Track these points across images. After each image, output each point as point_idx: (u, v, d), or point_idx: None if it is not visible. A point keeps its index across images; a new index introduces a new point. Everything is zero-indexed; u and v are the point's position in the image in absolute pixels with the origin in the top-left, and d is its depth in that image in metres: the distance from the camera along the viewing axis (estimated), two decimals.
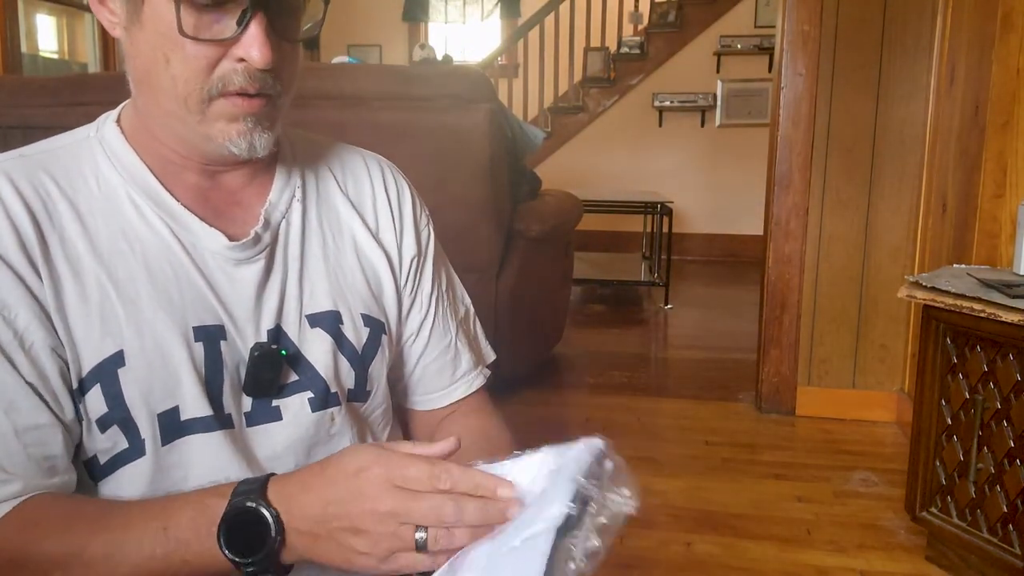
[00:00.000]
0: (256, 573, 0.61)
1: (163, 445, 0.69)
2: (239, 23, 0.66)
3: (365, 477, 0.60)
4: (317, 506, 0.60)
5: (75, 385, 0.68)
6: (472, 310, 0.97)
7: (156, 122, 0.73)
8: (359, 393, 0.82)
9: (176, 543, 0.61)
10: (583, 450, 0.58)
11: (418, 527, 0.58)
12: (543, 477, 0.58)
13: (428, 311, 0.89)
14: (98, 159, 0.74)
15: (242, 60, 0.67)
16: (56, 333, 0.67)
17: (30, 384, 0.65)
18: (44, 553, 0.61)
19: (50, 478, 0.66)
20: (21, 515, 0.63)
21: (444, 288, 0.93)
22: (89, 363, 0.67)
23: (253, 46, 0.66)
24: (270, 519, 0.60)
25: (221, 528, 0.60)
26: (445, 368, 0.92)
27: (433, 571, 0.59)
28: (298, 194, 0.81)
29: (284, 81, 0.72)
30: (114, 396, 0.68)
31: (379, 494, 0.59)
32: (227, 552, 0.60)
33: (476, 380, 0.94)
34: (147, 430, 0.69)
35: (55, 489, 0.66)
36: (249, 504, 0.61)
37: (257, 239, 0.76)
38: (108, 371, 0.68)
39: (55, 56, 5.35)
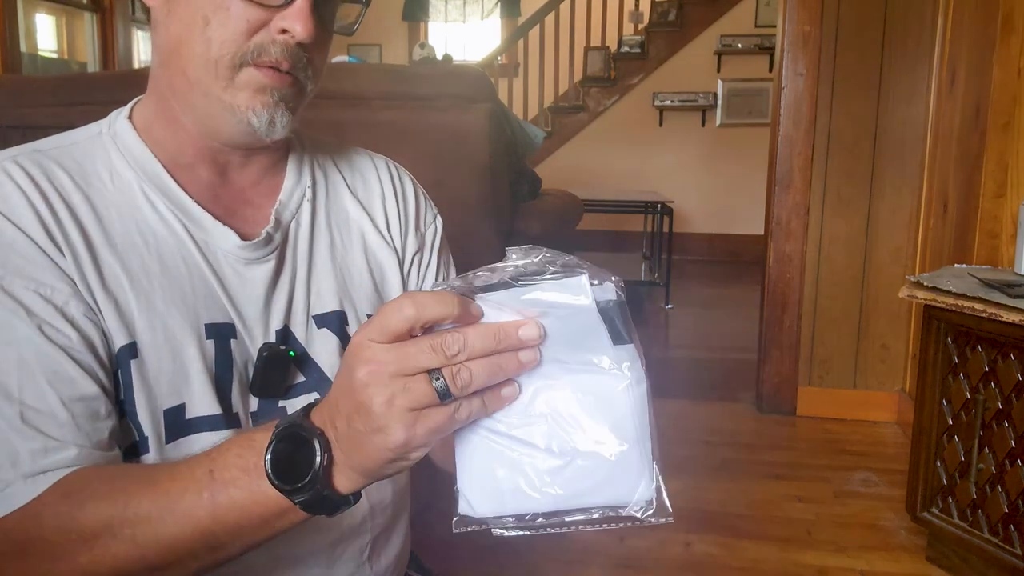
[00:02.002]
0: (310, 505, 0.54)
1: (167, 443, 0.69)
2: None
3: (352, 347, 0.51)
4: (333, 407, 0.53)
5: (114, 364, 0.68)
6: None
7: (177, 98, 0.72)
8: None
9: (223, 484, 0.56)
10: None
11: (432, 373, 0.49)
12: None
13: None
14: (111, 155, 0.74)
15: (283, 32, 0.68)
16: (90, 306, 0.67)
17: (77, 354, 0.64)
18: (88, 518, 0.59)
19: (103, 450, 0.64)
20: (64, 485, 0.62)
21: None
22: (114, 345, 0.68)
23: (298, 19, 0.67)
24: (311, 437, 0.53)
25: (267, 457, 0.54)
26: None
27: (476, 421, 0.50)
28: (308, 194, 0.81)
29: (314, 67, 0.73)
30: (126, 386, 0.68)
31: (370, 356, 0.50)
32: (275, 481, 0.54)
33: None
34: (149, 427, 0.68)
35: (108, 463, 0.65)
36: (293, 427, 0.54)
37: (268, 239, 0.76)
38: (123, 360, 0.68)
39: (54, 56, 5.35)
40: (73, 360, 0.64)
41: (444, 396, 0.49)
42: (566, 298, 0.50)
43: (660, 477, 0.52)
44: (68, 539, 0.59)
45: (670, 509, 0.52)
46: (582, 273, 0.50)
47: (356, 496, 0.56)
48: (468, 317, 0.50)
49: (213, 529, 0.57)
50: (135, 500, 0.59)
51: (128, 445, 0.69)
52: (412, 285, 0.88)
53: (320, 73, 0.74)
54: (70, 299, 0.65)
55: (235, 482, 0.56)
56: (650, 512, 0.52)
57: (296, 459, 0.54)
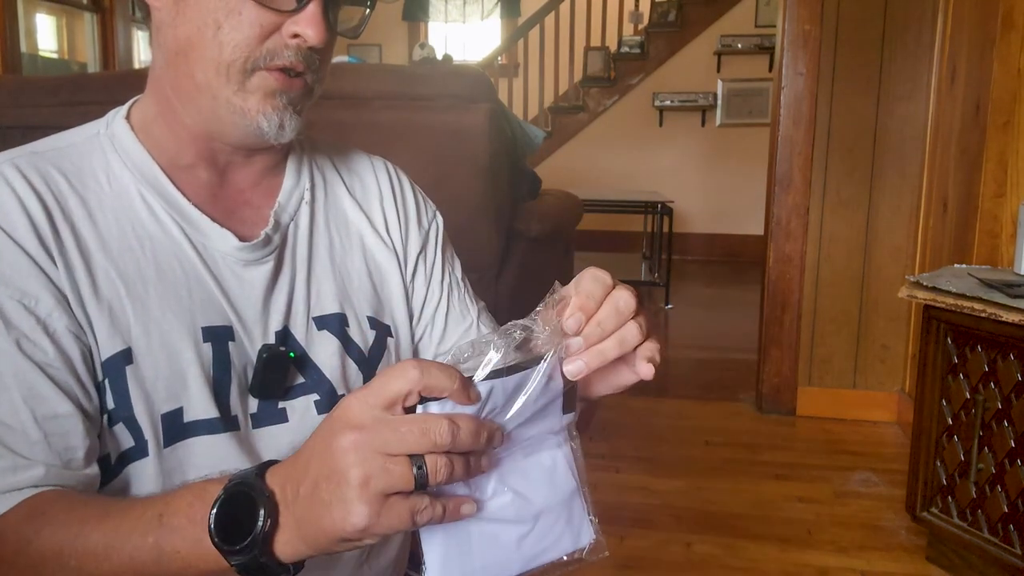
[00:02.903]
0: (247, 569, 0.53)
1: (165, 447, 0.69)
2: (299, 0, 0.68)
3: (342, 408, 0.51)
4: (300, 468, 0.52)
5: (99, 376, 0.67)
6: (485, 306, 0.96)
7: (182, 100, 0.72)
8: None
9: (169, 530, 0.55)
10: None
11: (413, 458, 0.48)
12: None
13: (440, 298, 0.89)
14: (108, 156, 0.73)
15: (295, 36, 0.68)
16: (77, 319, 0.66)
17: (54, 371, 0.64)
18: (41, 544, 0.59)
19: (73, 470, 0.64)
20: (29, 506, 0.61)
21: (459, 277, 0.92)
22: (103, 355, 0.67)
23: (311, 24, 0.67)
24: (258, 499, 0.52)
25: (212, 512, 0.53)
26: None
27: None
28: (307, 196, 0.81)
29: (323, 69, 0.73)
30: (121, 393, 0.67)
31: (360, 422, 0.49)
32: (216, 539, 0.53)
33: None
34: (149, 431, 0.68)
35: (79, 482, 0.65)
36: (242, 485, 0.53)
37: (267, 240, 0.76)
38: (117, 367, 0.67)
39: (54, 56, 5.35)
40: (49, 377, 0.64)
41: (420, 486, 0.49)
42: (542, 379, 0.54)
43: (595, 518, 0.58)
44: (22, 562, 0.59)
45: (604, 544, 0.59)
46: (554, 354, 0.55)
47: (297, 566, 0.54)
48: (463, 396, 0.51)
49: (155, 574, 0.57)
50: (86, 531, 0.59)
51: (124, 451, 0.68)
52: (419, 283, 0.87)
53: (325, 76, 0.75)
54: (54, 311, 0.65)
55: (181, 531, 0.55)
56: (592, 550, 0.58)
57: (240, 519, 0.52)
